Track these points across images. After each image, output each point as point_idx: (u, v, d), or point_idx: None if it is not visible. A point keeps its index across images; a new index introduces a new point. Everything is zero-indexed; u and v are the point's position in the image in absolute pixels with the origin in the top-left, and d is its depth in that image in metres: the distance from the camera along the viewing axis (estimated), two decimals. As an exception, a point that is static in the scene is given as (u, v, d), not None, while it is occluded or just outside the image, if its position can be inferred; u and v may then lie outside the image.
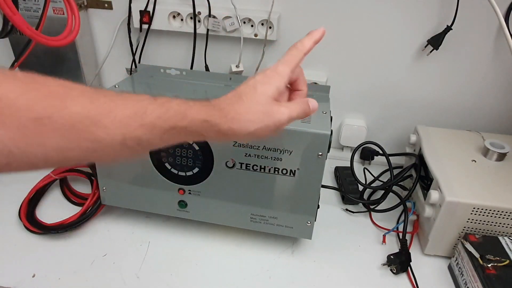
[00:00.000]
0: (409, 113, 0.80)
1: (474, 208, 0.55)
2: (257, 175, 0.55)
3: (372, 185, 0.75)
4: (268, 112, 0.39)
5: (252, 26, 0.74)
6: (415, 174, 0.67)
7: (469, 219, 0.56)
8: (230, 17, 0.73)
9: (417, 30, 0.71)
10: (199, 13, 0.74)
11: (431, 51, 0.71)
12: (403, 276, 0.58)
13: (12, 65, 0.74)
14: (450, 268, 0.59)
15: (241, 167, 0.55)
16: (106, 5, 0.79)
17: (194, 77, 0.70)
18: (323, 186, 0.58)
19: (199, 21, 0.76)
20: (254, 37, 0.75)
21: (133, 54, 0.82)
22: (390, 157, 0.68)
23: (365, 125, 0.83)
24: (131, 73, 0.85)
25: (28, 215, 0.63)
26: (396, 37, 0.73)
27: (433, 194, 0.57)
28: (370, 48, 0.75)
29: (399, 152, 0.75)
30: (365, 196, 0.72)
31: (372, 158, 0.83)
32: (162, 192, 0.60)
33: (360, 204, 0.71)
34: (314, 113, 0.43)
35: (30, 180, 0.68)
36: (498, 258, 0.52)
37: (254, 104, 0.38)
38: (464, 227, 0.57)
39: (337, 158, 0.84)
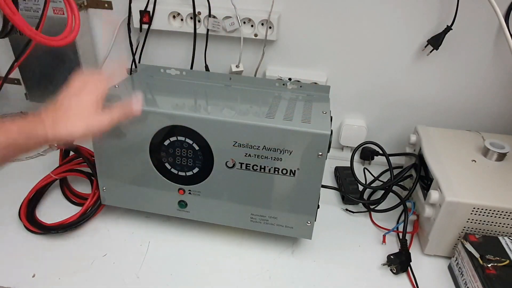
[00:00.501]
0: (409, 113, 0.80)
1: (474, 208, 0.55)
2: (257, 175, 0.55)
3: (372, 185, 0.75)
4: (89, 120, 0.45)
5: (252, 26, 0.74)
6: (415, 174, 0.67)
7: (469, 219, 0.56)
8: (230, 17, 0.73)
9: (417, 30, 0.71)
10: (199, 13, 0.74)
11: (431, 51, 0.71)
12: (403, 276, 0.58)
13: (12, 65, 0.74)
14: (450, 268, 0.59)
15: (241, 167, 0.55)
16: (106, 5, 0.79)
17: (194, 77, 0.70)
18: (323, 186, 0.58)
19: (199, 21, 0.76)
20: (254, 37, 0.75)
21: (133, 54, 0.82)
22: (390, 157, 0.68)
23: (365, 125, 0.83)
24: (131, 73, 0.85)
25: (28, 215, 0.63)
26: (396, 37, 0.73)
27: (433, 194, 0.57)
28: (370, 48, 0.75)
29: (399, 152, 0.75)
30: (365, 196, 0.72)
31: (372, 158, 0.83)
32: (162, 192, 0.60)
33: (360, 204, 0.71)
34: (138, 113, 0.50)
35: (30, 180, 0.68)
36: (498, 258, 0.52)
37: (76, 113, 0.45)
38: (464, 227, 0.57)
39: (337, 158, 0.84)
